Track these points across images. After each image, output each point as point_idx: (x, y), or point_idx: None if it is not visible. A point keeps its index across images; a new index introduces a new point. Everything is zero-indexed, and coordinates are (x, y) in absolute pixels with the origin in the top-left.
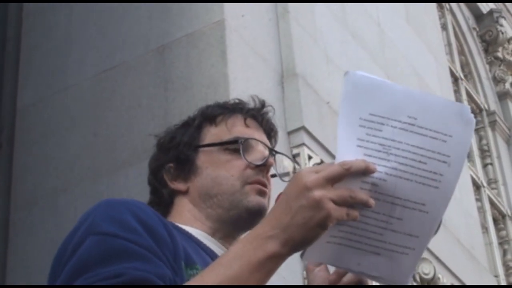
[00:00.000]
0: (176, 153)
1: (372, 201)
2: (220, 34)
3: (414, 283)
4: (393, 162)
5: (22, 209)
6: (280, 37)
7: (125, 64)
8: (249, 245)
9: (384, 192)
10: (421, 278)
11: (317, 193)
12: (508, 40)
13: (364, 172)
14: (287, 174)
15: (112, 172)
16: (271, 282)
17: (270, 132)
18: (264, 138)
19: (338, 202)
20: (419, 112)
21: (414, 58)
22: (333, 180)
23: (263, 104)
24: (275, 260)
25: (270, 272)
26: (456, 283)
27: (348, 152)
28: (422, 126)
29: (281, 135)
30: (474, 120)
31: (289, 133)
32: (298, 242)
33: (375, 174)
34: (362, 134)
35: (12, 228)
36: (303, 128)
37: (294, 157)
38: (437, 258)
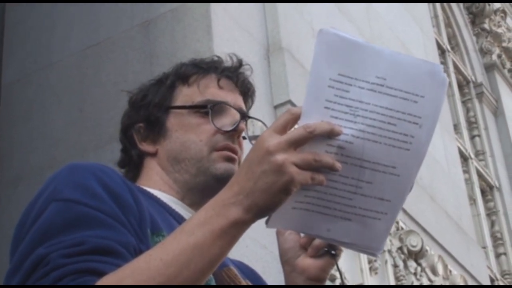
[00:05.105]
0: (146, 113)
1: (338, 165)
2: (205, 9)
3: (403, 255)
4: (360, 124)
5: (8, 186)
6: (266, 11)
7: (110, 40)
8: (212, 212)
9: (352, 155)
10: (408, 250)
11: (279, 157)
12: (495, 12)
13: (329, 134)
14: (257, 137)
15: (98, 147)
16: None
17: (246, 92)
18: (238, 99)
19: (301, 166)
20: (388, 72)
21: (401, 30)
22: (296, 143)
23: (240, 63)
24: (238, 227)
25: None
26: (443, 254)
27: (315, 114)
28: (391, 86)
29: (267, 109)
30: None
31: (276, 107)
32: (261, 208)
33: (341, 137)
34: (330, 95)
35: None
36: (289, 102)
37: None
38: (424, 230)
